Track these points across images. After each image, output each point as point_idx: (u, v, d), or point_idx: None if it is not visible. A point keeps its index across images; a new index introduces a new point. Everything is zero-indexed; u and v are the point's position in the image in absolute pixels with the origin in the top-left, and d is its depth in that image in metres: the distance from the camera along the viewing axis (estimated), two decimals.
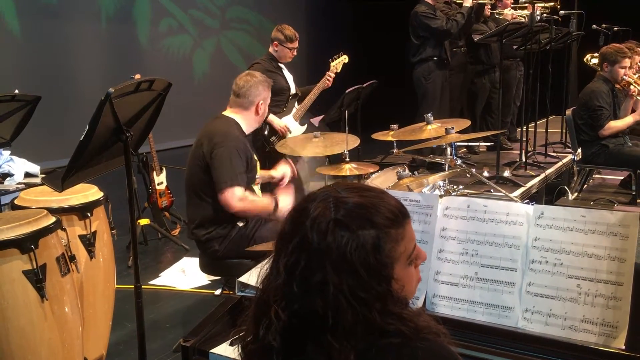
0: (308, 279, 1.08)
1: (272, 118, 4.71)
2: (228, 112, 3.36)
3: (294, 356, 1.11)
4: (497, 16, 6.77)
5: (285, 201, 3.29)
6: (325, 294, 1.07)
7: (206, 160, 3.15)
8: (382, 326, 1.09)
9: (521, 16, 6.64)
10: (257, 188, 3.40)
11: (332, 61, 5.04)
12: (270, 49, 4.96)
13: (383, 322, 1.09)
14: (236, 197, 3.09)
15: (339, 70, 5.03)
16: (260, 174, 3.51)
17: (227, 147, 3.13)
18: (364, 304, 1.08)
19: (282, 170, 3.67)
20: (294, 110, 4.91)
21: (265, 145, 4.75)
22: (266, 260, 1.23)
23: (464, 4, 6.16)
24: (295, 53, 4.98)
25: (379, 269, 1.10)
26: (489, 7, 6.66)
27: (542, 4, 6.72)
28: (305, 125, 4.93)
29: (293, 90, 4.96)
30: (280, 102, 4.82)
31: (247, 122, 3.36)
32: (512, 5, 6.80)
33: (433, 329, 1.13)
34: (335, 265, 1.08)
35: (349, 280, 1.08)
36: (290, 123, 4.82)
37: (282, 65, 4.96)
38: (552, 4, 6.86)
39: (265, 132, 4.76)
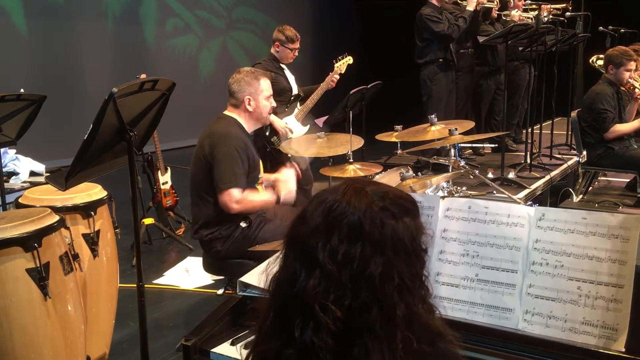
0: (363, 271, 1.08)
1: (273, 118, 4.70)
2: (227, 112, 3.36)
3: (344, 355, 1.09)
4: (504, 18, 6.76)
5: (286, 190, 3.29)
6: (381, 283, 1.08)
7: (208, 160, 3.16)
8: (425, 321, 1.12)
9: (528, 18, 6.63)
10: (260, 188, 3.39)
11: (336, 62, 5.03)
12: (272, 50, 4.96)
13: (426, 316, 1.13)
14: (234, 199, 3.10)
15: (343, 71, 5.02)
16: (265, 177, 3.50)
17: (227, 147, 3.13)
18: (411, 293, 1.11)
19: (286, 174, 3.60)
20: (296, 110, 4.90)
21: (266, 146, 4.75)
22: (272, 261, 1.21)
23: (467, 8, 6.15)
24: (296, 54, 4.97)
25: (420, 252, 1.15)
26: (497, 8, 6.65)
27: (553, 5, 6.70)
28: (308, 126, 4.92)
29: (295, 91, 4.95)
30: (282, 102, 4.82)
31: (244, 120, 3.34)
32: (524, 7, 6.78)
33: (449, 334, 1.16)
34: (393, 251, 1.10)
35: (403, 266, 1.10)
36: (292, 123, 4.82)
37: (283, 66, 4.96)
38: (564, 5, 6.84)
39: (267, 133, 4.76)
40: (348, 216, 1.11)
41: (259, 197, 3.25)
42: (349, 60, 5.06)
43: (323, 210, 1.13)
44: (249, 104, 3.29)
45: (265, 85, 3.33)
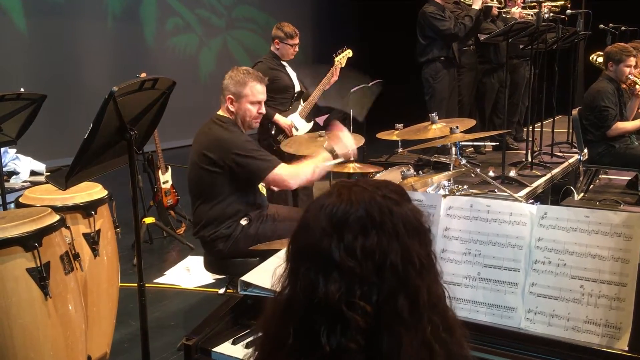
0: (384, 260, 1.08)
1: (278, 117, 4.70)
2: (220, 112, 3.29)
3: (374, 351, 1.07)
4: (504, 15, 6.75)
5: (345, 138, 3.17)
6: (404, 268, 1.08)
7: (221, 165, 3.10)
8: (444, 307, 1.13)
9: (529, 15, 6.62)
10: (260, 186, 3.38)
11: (336, 56, 5.03)
12: (272, 48, 4.96)
13: (444, 301, 1.14)
14: (284, 174, 3.11)
15: (343, 65, 5.01)
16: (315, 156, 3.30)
17: (241, 144, 3.11)
18: (430, 273, 1.12)
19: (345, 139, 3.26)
20: (300, 107, 4.90)
21: (273, 144, 4.75)
22: (279, 267, 1.17)
23: (472, 6, 6.14)
24: (296, 50, 4.96)
25: (427, 232, 1.16)
26: (497, 6, 6.63)
27: (552, 3, 6.70)
28: (312, 123, 4.93)
29: (297, 88, 4.95)
30: (285, 100, 4.81)
31: (234, 119, 3.26)
32: (523, 5, 6.77)
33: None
34: (406, 235, 1.10)
35: (418, 247, 1.11)
36: (296, 121, 4.82)
37: (284, 63, 4.95)
38: (562, 2, 6.83)
39: (273, 132, 4.76)
40: (353, 213, 1.10)
41: (309, 162, 3.14)
42: (349, 53, 5.05)
43: (326, 214, 1.11)
44: (231, 104, 3.22)
45: (253, 91, 3.20)
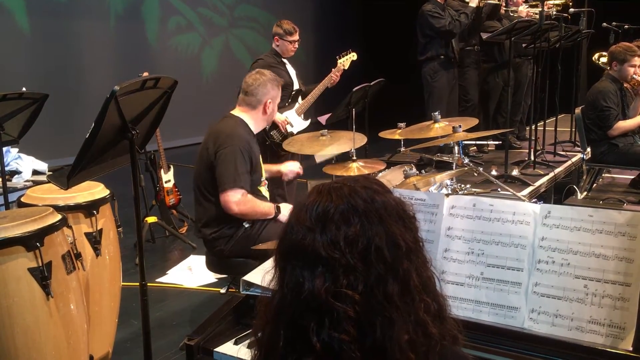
0: (369, 245, 1.08)
1: None
2: (236, 111, 3.35)
3: (367, 339, 1.07)
4: (511, 14, 6.73)
5: (287, 209, 3.30)
6: (390, 251, 1.08)
7: (211, 160, 3.16)
8: (434, 289, 1.14)
9: (535, 14, 6.60)
10: (264, 189, 3.38)
11: (340, 58, 5.03)
12: (272, 45, 4.98)
13: (434, 284, 1.14)
14: (235, 200, 3.10)
15: (346, 68, 5.02)
16: (268, 168, 3.50)
17: (231, 148, 3.12)
18: (419, 257, 1.13)
19: (290, 166, 3.71)
20: (297, 105, 4.90)
21: (266, 139, 4.75)
22: (270, 270, 1.18)
23: (469, 4, 6.13)
24: (296, 46, 4.98)
25: (413, 218, 1.17)
26: (504, 4, 6.62)
27: (554, 1, 6.68)
28: (309, 121, 4.93)
29: (296, 86, 4.95)
30: (283, 97, 4.81)
31: (254, 121, 3.35)
32: (526, 3, 6.76)
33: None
34: (390, 219, 1.11)
35: (403, 231, 1.12)
36: (292, 118, 4.82)
37: (285, 60, 4.97)
38: (564, 1, 6.81)
39: (267, 126, 4.76)
40: (335, 207, 1.11)
41: (260, 205, 3.25)
42: (353, 56, 5.05)
43: (309, 214, 1.12)
44: (268, 107, 3.32)
45: (279, 92, 3.41)
